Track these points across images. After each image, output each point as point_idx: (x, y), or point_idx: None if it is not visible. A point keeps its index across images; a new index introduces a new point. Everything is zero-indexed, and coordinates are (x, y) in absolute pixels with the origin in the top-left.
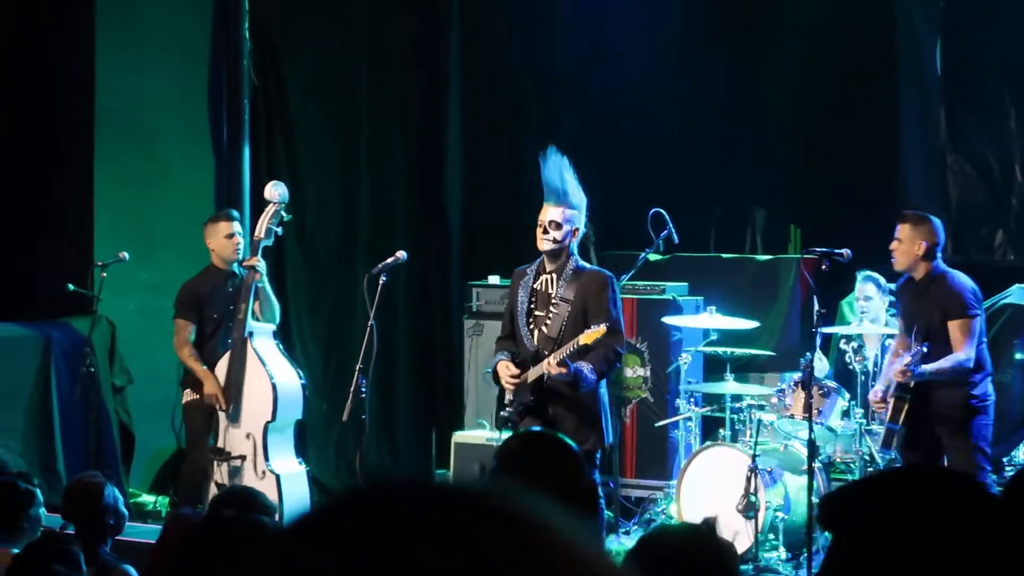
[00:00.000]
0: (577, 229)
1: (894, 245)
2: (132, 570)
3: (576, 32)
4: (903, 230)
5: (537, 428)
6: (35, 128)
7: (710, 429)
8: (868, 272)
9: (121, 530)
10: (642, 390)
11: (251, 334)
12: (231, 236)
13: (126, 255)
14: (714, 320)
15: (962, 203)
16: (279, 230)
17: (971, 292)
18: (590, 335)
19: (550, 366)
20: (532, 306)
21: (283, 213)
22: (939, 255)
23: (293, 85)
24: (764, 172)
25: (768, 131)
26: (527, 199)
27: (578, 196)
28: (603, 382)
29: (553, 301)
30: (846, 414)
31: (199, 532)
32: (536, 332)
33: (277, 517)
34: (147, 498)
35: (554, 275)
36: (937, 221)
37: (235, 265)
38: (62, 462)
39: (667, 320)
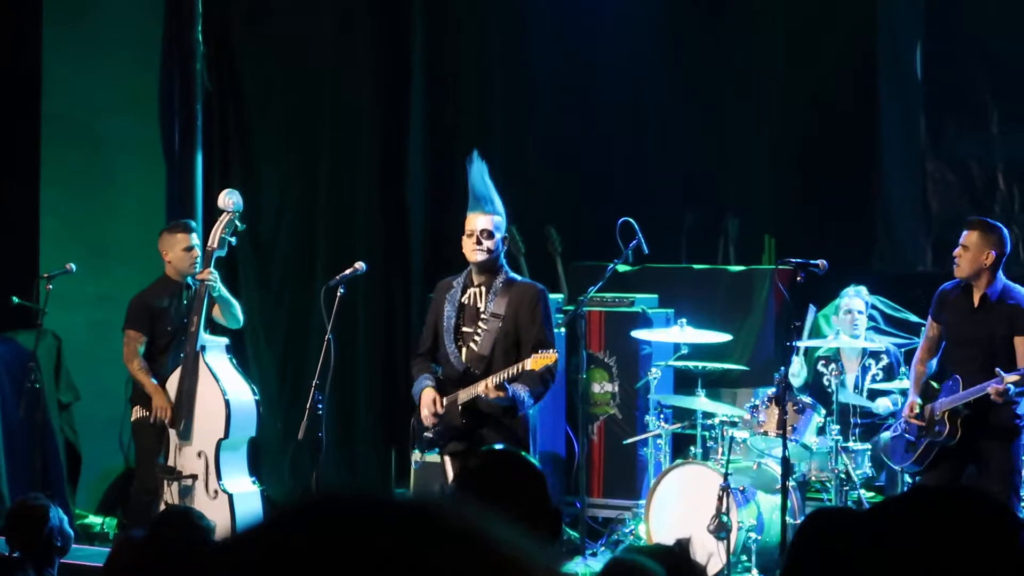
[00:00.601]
0: (505, 237)
1: (959, 252)
2: None
3: (546, 35)
4: (971, 237)
5: (500, 446)
6: None
7: (681, 447)
8: (858, 287)
9: (67, 552)
10: (610, 406)
11: (203, 348)
12: (189, 249)
13: (73, 266)
14: (685, 333)
15: (942, 212)
16: (233, 240)
17: None
18: (539, 360)
19: (488, 389)
20: (459, 321)
21: (237, 223)
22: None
23: (249, 89)
24: (737, 180)
25: (742, 138)
26: None
27: (500, 203)
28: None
29: (483, 316)
30: (821, 431)
31: (142, 553)
32: (464, 349)
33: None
34: (94, 519)
35: (483, 288)
36: (1006, 231)
37: (189, 277)
38: (6, 482)
39: (636, 334)
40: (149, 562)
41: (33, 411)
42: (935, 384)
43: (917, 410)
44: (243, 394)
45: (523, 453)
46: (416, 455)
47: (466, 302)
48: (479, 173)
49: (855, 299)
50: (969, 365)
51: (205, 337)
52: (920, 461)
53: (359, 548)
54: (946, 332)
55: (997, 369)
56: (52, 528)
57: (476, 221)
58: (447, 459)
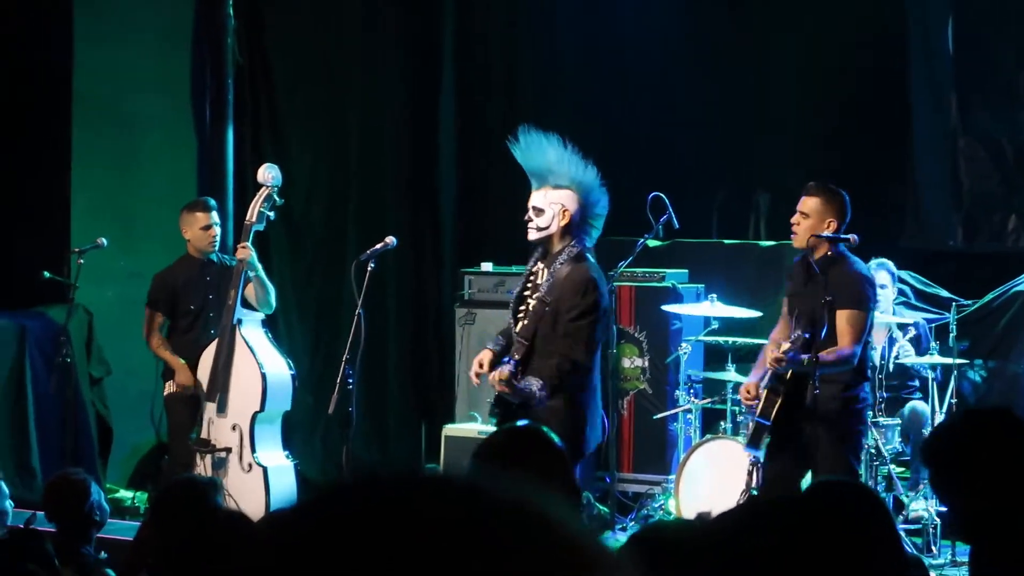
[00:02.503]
0: (568, 211)
1: (797, 219)
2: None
3: (576, 11)
4: (810, 203)
5: (524, 422)
6: (10, 111)
7: (710, 421)
8: (881, 260)
9: (103, 526)
10: (640, 381)
11: (239, 322)
12: (208, 228)
13: (104, 241)
14: (715, 308)
15: (974, 188)
16: (272, 214)
17: (870, 284)
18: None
19: (493, 381)
20: (526, 292)
21: (276, 197)
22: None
23: (280, 65)
24: (768, 156)
25: (773, 114)
26: (522, 183)
27: (570, 175)
28: (594, 382)
29: (537, 296)
30: None
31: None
32: (521, 325)
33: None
34: (125, 494)
35: (547, 264)
36: (847, 198)
37: (211, 254)
38: (37, 457)
39: (666, 308)
40: (161, 541)
41: (64, 386)
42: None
43: (754, 392)
44: (280, 368)
45: (545, 429)
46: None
47: (533, 276)
48: (534, 147)
49: (879, 272)
50: (794, 339)
51: (241, 311)
52: (753, 443)
53: (412, 524)
54: (785, 306)
55: (781, 343)
56: (92, 503)
57: (531, 198)
58: None
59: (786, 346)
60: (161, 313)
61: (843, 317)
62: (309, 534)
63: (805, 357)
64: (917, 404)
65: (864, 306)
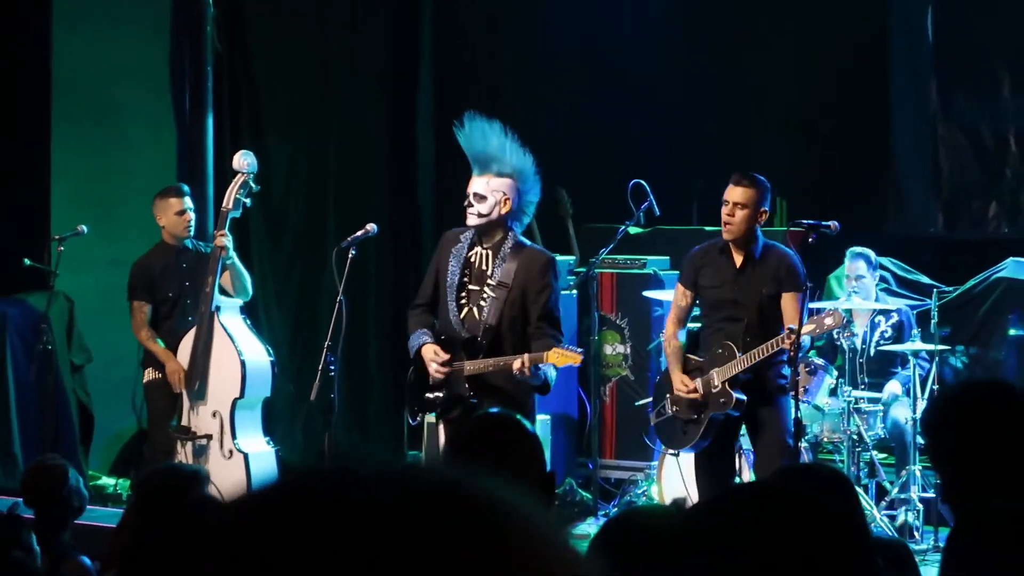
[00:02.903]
0: (508, 199)
1: (730, 211)
2: (88, 561)
3: (558, 1)
4: (748, 194)
5: (495, 409)
6: None
7: None
8: (858, 249)
9: (82, 512)
10: (622, 368)
11: (218, 309)
12: (182, 213)
13: (84, 228)
14: None
15: (954, 175)
16: (248, 201)
17: (801, 264)
18: (563, 356)
19: (523, 367)
20: (465, 279)
21: (252, 184)
22: None
23: (259, 53)
24: (749, 143)
25: (753, 100)
26: None
27: (513, 163)
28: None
29: (489, 283)
30: (833, 392)
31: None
32: (465, 311)
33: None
34: (107, 480)
35: (490, 252)
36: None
37: (187, 240)
38: (18, 444)
39: (648, 295)
40: (140, 529)
41: (45, 373)
42: (693, 356)
43: (692, 384)
44: (258, 354)
45: (518, 417)
46: (408, 417)
47: (473, 261)
48: (476, 132)
49: (856, 262)
50: (735, 329)
51: (219, 298)
52: (707, 437)
53: (378, 525)
54: (705, 298)
55: (791, 327)
56: (70, 489)
57: (471, 184)
58: (442, 424)
59: (811, 327)
60: (145, 302)
61: (792, 299)
62: (274, 524)
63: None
64: (897, 414)
65: (803, 287)
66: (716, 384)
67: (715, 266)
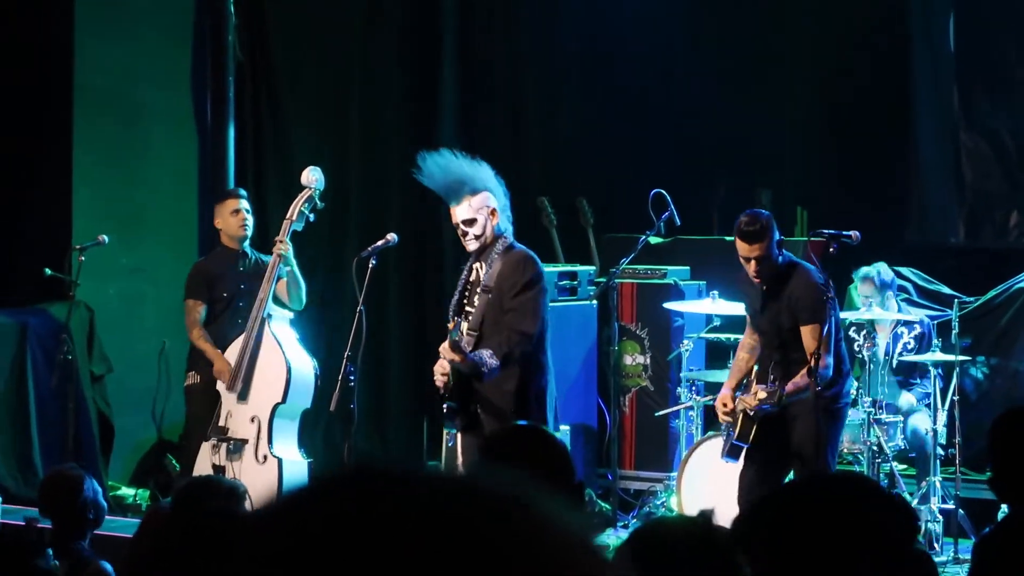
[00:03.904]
0: (493, 209)
1: (753, 268)
2: (108, 566)
3: (576, 7)
4: (758, 247)
5: (520, 423)
6: (11, 104)
7: (712, 419)
8: (863, 271)
9: (100, 524)
10: (642, 378)
11: (269, 316)
12: (236, 212)
13: (105, 238)
14: (717, 306)
15: (976, 183)
16: (312, 216)
17: (823, 288)
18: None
19: (444, 351)
20: (464, 300)
21: (317, 200)
22: None
23: (281, 63)
24: (770, 152)
25: (775, 110)
26: (523, 180)
27: (477, 177)
28: (542, 375)
29: (477, 290)
30: (853, 403)
31: (173, 526)
32: (464, 326)
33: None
34: (127, 491)
35: (483, 262)
36: (764, 212)
37: (246, 244)
38: (39, 453)
39: (668, 306)
40: (174, 536)
41: (66, 383)
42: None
43: (729, 405)
44: (305, 364)
45: (544, 428)
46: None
47: (471, 279)
48: (435, 170)
49: (863, 285)
50: (768, 361)
51: (272, 307)
52: (732, 455)
53: (400, 522)
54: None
55: (757, 387)
56: (86, 499)
57: (455, 214)
58: (459, 435)
59: (762, 395)
60: (201, 301)
61: (808, 332)
62: (299, 529)
63: (774, 401)
64: (917, 423)
65: (823, 315)
66: (737, 411)
67: (749, 294)
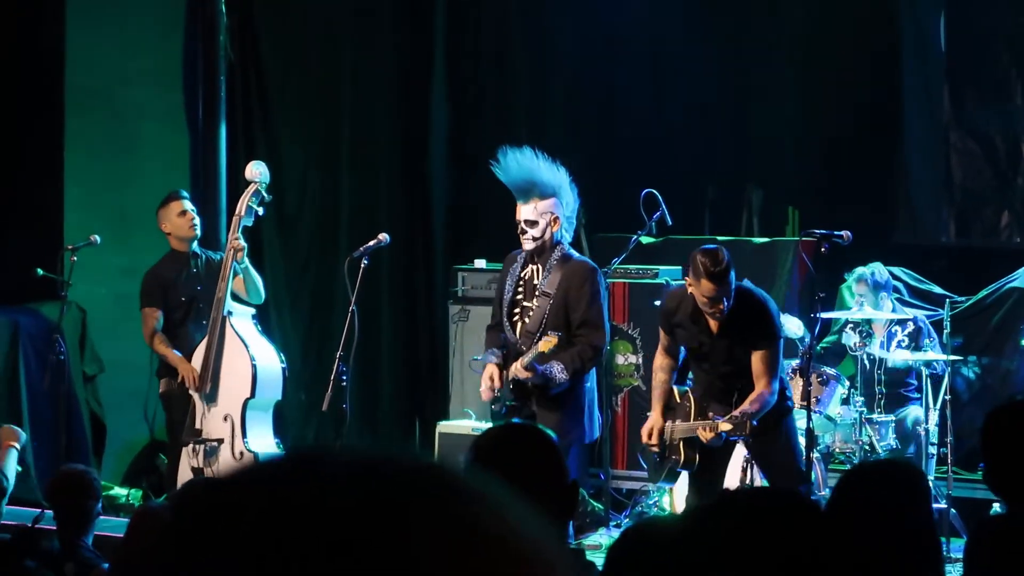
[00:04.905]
0: (556, 217)
1: (715, 307)
2: None
3: (569, 8)
4: (728, 284)
5: (517, 420)
6: (2, 102)
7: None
8: (859, 271)
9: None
10: (634, 378)
11: (230, 314)
12: (183, 213)
13: (97, 238)
14: None
15: (966, 183)
16: (260, 210)
17: (775, 313)
18: (546, 343)
19: (517, 370)
20: (519, 296)
21: (264, 193)
22: None
23: (272, 62)
24: (761, 152)
25: (765, 109)
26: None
27: (550, 182)
28: (591, 376)
29: (536, 293)
30: (845, 402)
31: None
32: (519, 324)
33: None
34: (119, 491)
35: (540, 266)
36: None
37: (195, 244)
38: (31, 453)
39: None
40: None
41: (58, 383)
42: (677, 394)
43: (654, 437)
44: (270, 357)
45: (540, 426)
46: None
47: (526, 277)
48: (514, 164)
49: (858, 285)
50: (706, 381)
51: (231, 304)
52: (669, 479)
53: (337, 508)
54: (681, 345)
55: (717, 420)
56: (98, 498)
57: (519, 212)
58: None
59: (727, 427)
60: (157, 308)
61: (761, 357)
62: (242, 503)
63: (745, 432)
64: (911, 424)
65: (776, 340)
66: (674, 439)
67: (688, 329)
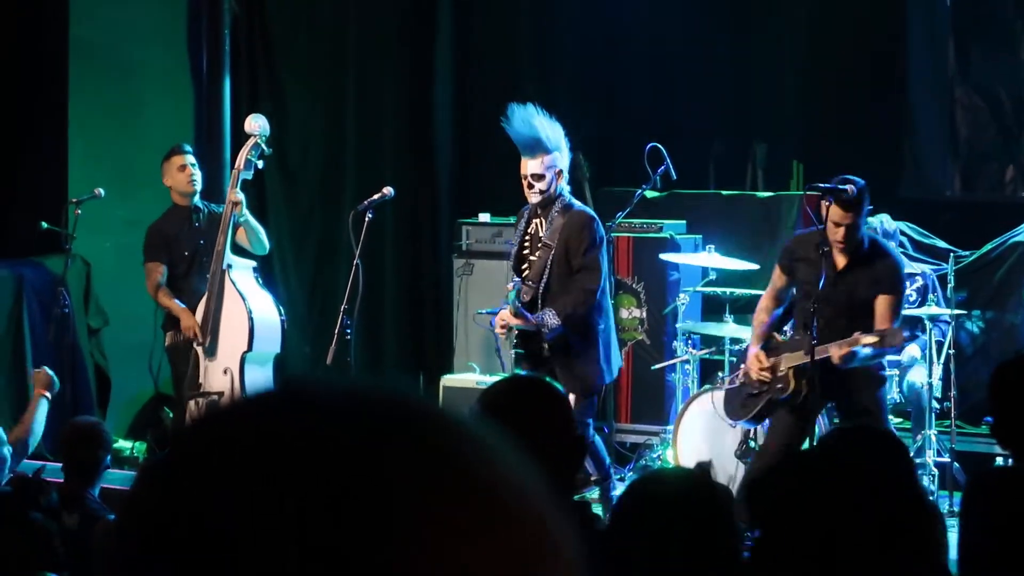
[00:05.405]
0: (560, 171)
1: (842, 234)
2: None
3: None
4: (851, 217)
5: (524, 373)
6: (6, 59)
7: (708, 372)
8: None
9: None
10: (638, 332)
11: (229, 267)
12: (183, 168)
13: (102, 191)
14: (713, 259)
15: (971, 138)
16: (260, 163)
17: (903, 266)
18: (527, 292)
19: (507, 318)
20: (525, 251)
21: (263, 146)
22: None
23: (276, 14)
24: (765, 106)
25: (770, 63)
26: None
27: (552, 137)
28: (603, 316)
29: (538, 244)
30: None
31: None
32: (527, 276)
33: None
34: (124, 444)
35: (543, 218)
36: (860, 182)
37: (196, 199)
38: None
39: (665, 257)
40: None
41: (62, 336)
42: (778, 335)
43: (766, 363)
44: (267, 310)
45: (548, 379)
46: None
47: (531, 232)
48: (520, 119)
49: None
50: (829, 327)
51: (231, 257)
52: (758, 418)
53: (328, 440)
54: (801, 289)
55: (857, 334)
56: (108, 450)
57: (525, 166)
58: None
59: (869, 339)
60: (161, 263)
61: (888, 302)
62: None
63: (895, 342)
64: (914, 377)
65: (903, 292)
66: (782, 369)
67: (814, 265)
